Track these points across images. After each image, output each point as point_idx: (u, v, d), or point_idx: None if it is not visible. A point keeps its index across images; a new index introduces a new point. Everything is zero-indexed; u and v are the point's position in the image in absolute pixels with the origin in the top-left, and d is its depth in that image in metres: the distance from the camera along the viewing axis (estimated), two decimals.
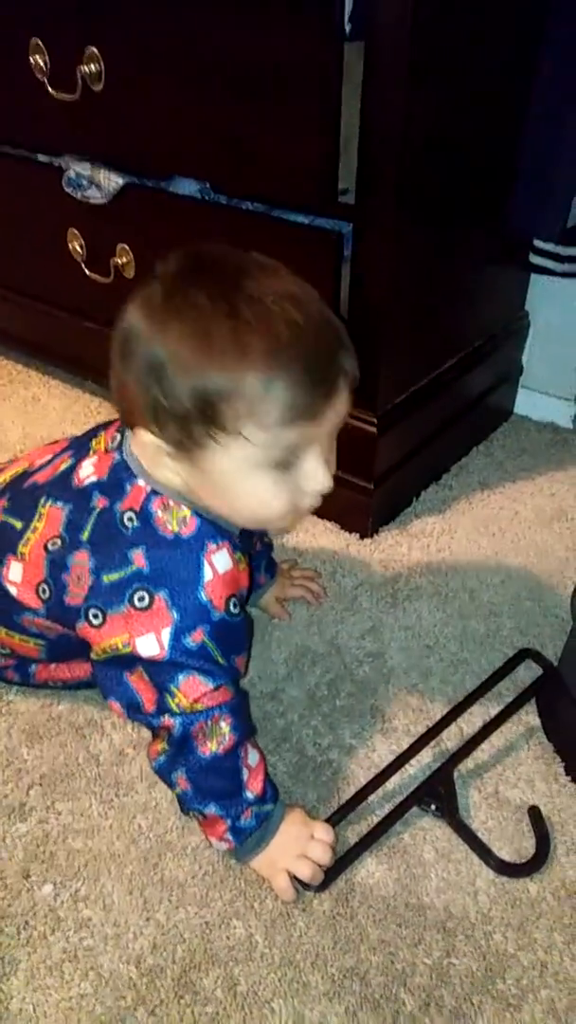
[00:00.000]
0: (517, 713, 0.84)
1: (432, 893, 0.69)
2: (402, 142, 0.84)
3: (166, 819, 0.74)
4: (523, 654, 0.89)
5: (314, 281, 0.67)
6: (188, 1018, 0.61)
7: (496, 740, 0.82)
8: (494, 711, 0.83)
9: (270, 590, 0.95)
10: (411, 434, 1.09)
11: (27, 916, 0.67)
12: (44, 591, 0.71)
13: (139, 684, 0.67)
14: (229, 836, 0.68)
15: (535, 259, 1.14)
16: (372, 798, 0.76)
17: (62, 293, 1.28)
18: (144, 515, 0.66)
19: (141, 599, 0.65)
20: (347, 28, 0.81)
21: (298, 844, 0.68)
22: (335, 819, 0.73)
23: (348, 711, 0.85)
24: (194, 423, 0.59)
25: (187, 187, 1.07)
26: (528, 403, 1.33)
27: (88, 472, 0.71)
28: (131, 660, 0.66)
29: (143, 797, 0.75)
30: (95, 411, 1.33)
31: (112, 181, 1.10)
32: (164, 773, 0.69)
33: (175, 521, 0.66)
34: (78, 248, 1.19)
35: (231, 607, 0.67)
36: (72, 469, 0.72)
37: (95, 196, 1.12)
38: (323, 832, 0.70)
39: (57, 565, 0.70)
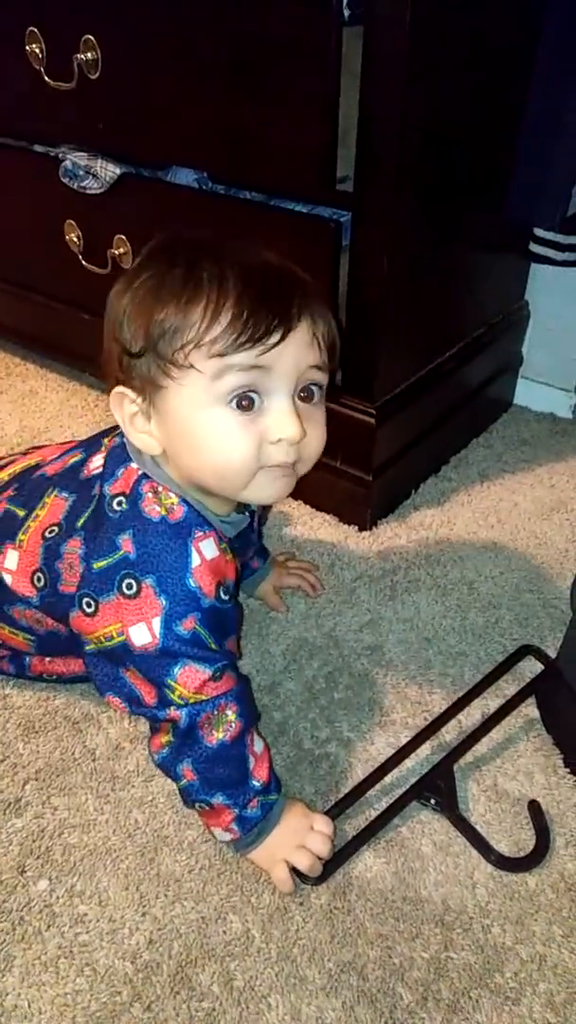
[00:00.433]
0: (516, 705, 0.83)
1: (430, 887, 0.69)
2: (401, 129, 0.83)
3: (163, 813, 0.73)
4: (524, 650, 0.89)
5: (312, 270, 0.67)
6: (184, 1014, 0.61)
7: (495, 733, 0.81)
8: (494, 705, 0.83)
9: (267, 579, 0.95)
10: (410, 425, 1.08)
11: (22, 912, 0.66)
12: (39, 579, 0.71)
13: (136, 680, 0.67)
14: (234, 826, 0.67)
15: (535, 248, 1.12)
16: (371, 792, 0.75)
17: (59, 285, 1.27)
18: (133, 497, 0.66)
19: (129, 587, 0.65)
20: (346, 13, 0.80)
21: (297, 835, 0.68)
22: (333, 812, 0.72)
23: (346, 704, 0.84)
24: (150, 362, 0.61)
25: (184, 177, 1.06)
26: (528, 393, 1.32)
27: (96, 464, 0.71)
28: (124, 653, 0.66)
29: (140, 791, 0.75)
30: (93, 404, 1.32)
31: (109, 171, 1.09)
32: (168, 766, 0.68)
33: (163, 506, 0.66)
34: (75, 239, 1.18)
35: (221, 593, 0.67)
36: (82, 463, 0.73)
37: (92, 186, 1.11)
38: (323, 824, 0.69)
39: (52, 552, 0.70)
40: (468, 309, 1.15)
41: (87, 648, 0.69)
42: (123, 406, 0.65)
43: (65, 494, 0.72)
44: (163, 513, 0.65)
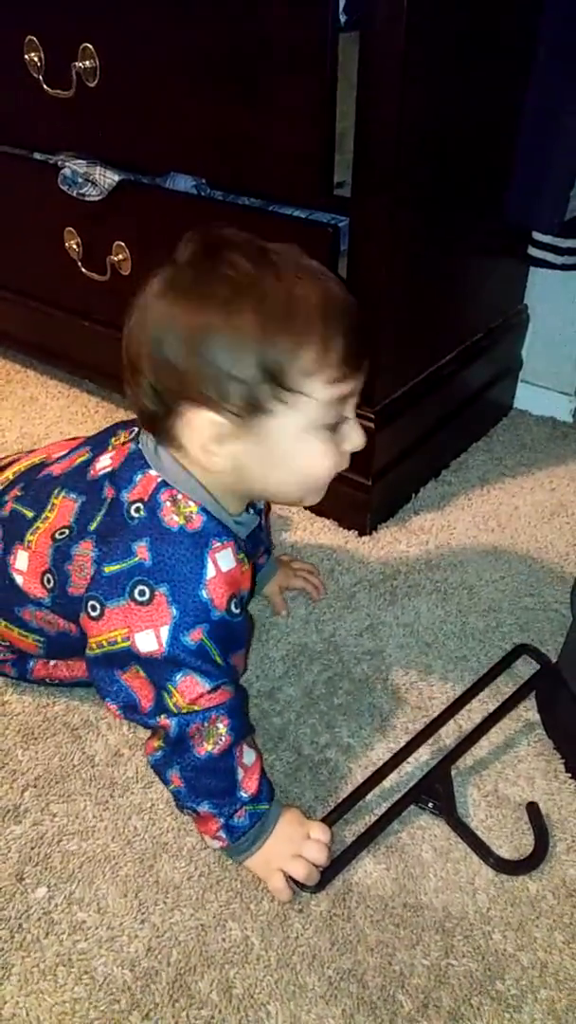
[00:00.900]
0: (516, 710, 0.83)
1: (430, 893, 0.68)
2: (398, 134, 0.84)
3: (162, 820, 0.73)
4: (520, 650, 0.88)
5: None
6: (183, 1022, 0.60)
7: (495, 737, 0.81)
8: (492, 707, 0.82)
9: (273, 579, 0.95)
10: (409, 430, 1.08)
11: (20, 919, 0.66)
12: (49, 580, 0.72)
13: (135, 683, 0.67)
14: (222, 834, 0.67)
15: (534, 252, 1.13)
16: (369, 797, 0.75)
17: (59, 292, 1.27)
18: (151, 505, 0.66)
19: (142, 593, 0.65)
20: (342, 19, 0.81)
21: (294, 844, 0.68)
22: (332, 818, 0.72)
23: (346, 709, 0.84)
24: (261, 388, 0.61)
25: (183, 183, 1.06)
26: (528, 397, 1.32)
27: (104, 464, 0.72)
28: (127, 657, 0.66)
29: (139, 798, 0.75)
30: (93, 410, 1.32)
31: (108, 178, 1.09)
32: (159, 770, 0.68)
33: (182, 515, 0.66)
34: (74, 246, 1.18)
35: (232, 607, 0.67)
36: (89, 462, 0.73)
37: (91, 194, 1.11)
38: (319, 832, 0.69)
39: (61, 554, 0.70)
40: (467, 313, 1.15)
41: (88, 651, 0.69)
42: (201, 428, 0.63)
43: (74, 495, 0.72)
44: (181, 523, 0.66)
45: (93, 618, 0.67)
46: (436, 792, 0.74)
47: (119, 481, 0.69)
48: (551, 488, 1.16)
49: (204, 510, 0.67)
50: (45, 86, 1.06)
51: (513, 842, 0.72)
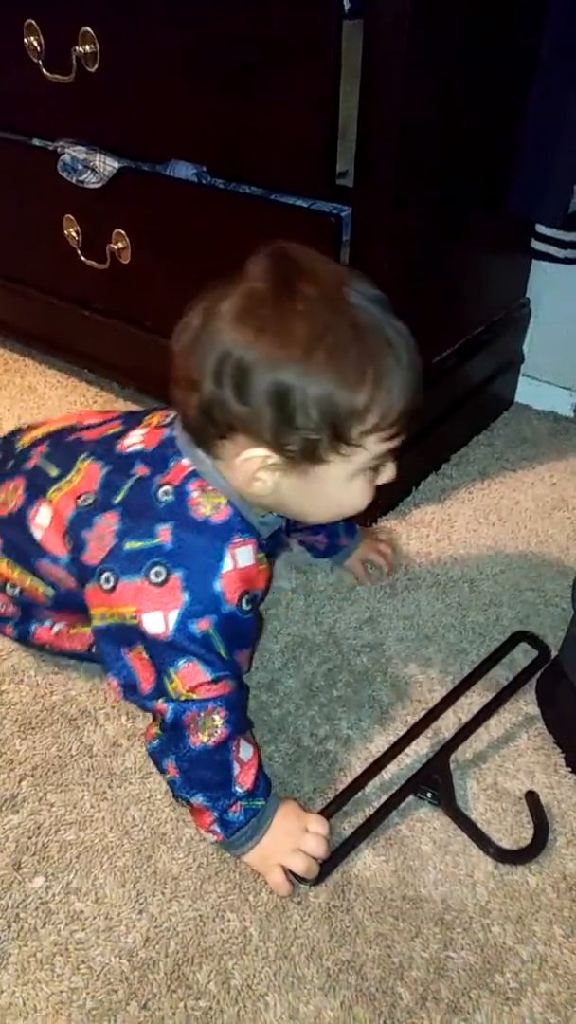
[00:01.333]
0: (516, 703, 0.83)
1: (430, 885, 0.68)
2: (401, 123, 0.83)
3: (160, 811, 0.73)
4: (518, 636, 0.88)
5: None
6: (181, 1012, 0.60)
7: (495, 730, 0.81)
8: (490, 697, 0.82)
9: (355, 551, 0.97)
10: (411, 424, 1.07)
11: (18, 909, 0.66)
12: (68, 542, 0.73)
13: (137, 663, 0.68)
14: (217, 828, 0.67)
15: (537, 245, 1.12)
16: (368, 788, 0.75)
17: (58, 280, 1.27)
18: (180, 492, 0.68)
19: (158, 574, 0.66)
20: (346, 5, 0.80)
21: (292, 838, 0.67)
22: (330, 810, 0.72)
23: (345, 701, 0.83)
24: (322, 440, 0.63)
25: (184, 171, 1.05)
26: (529, 392, 1.32)
27: (135, 441, 0.73)
28: (133, 634, 0.67)
29: (137, 788, 0.74)
30: (92, 400, 1.32)
31: (108, 165, 1.08)
32: (156, 758, 0.69)
33: (209, 506, 0.67)
34: (73, 234, 1.17)
35: (243, 603, 0.68)
36: (119, 435, 0.75)
37: (90, 180, 1.10)
38: (317, 825, 0.69)
39: (82, 520, 0.71)
40: (469, 306, 1.14)
41: (94, 623, 0.70)
42: (252, 461, 0.65)
43: (100, 463, 0.73)
44: (207, 513, 0.67)
45: (105, 590, 0.68)
46: (435, 783, 0.74)
47: (154, 463, 0.70)
48: (552, 483, 1.15)
49: (231, 504, 0.68)
50: (44, 71, 1.05)
51: (513, 835, 0.72)
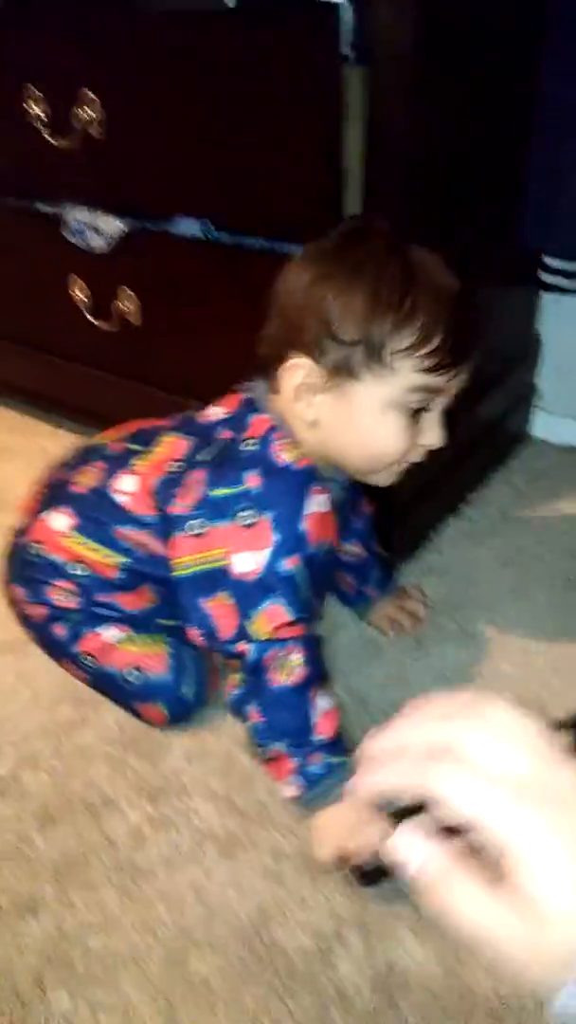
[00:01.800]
0: None
1: (480, 975, 0.64)
2: (407, 164, 0.81)
3: (189, 907, 0.69)
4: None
5: None
6: None
7: None
8: None
9: (382, 606, 0.95)
10: (426, 467, 1.04)
11: None
12: (157, 502, 0.76)
13: (219, 610, 0.71)
14: (296, 779, 0.68)
15: (545, 277, 1.09)
16: None
17: (68, 342, 1.24)
18: (263, 441, 0.72)
19: (247, 517, 0.70)
20: (348, 53, 0.78)
21: (359, 823, 0.65)
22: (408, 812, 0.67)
23: None
24: (357, 354, 0.66)
25: (189, 227, 1.03)
26: (546, 426, 1.28)
27: (215, 412, 0.77)
28: (218, 578, 0.70)
29: (163, 883, 0.70)
30: None
31: (113, 227, 1.06)
32: (238, 706, 0.71)
33: (290, 454, 0.71)
34: (82, 296, 1.15)
35: (320, 546, 0.72)
36: (198, 410, 0.79)
37: (96, 242, 1.08)
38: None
39: (172, 481, 0.75)
40: (480, 342, 1.11)
41: (177, 572, 0.73)
42: (296, 375, 0.68)
43: (185, 436, 0.77)
44: (290, 461, 0.71)
45: (196, 535, 0.72)
46: None
47: (235, 425, 0.74)
48: (574, 518, 1.11)
49: (307, 463, 0.72)
50: (49, 137, 1.03)
51: None
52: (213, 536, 0.71)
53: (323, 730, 0.69)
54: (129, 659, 0.79)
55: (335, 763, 0.68)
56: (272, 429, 0.72)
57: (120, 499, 0.77)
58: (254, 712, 0.70)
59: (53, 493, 0.83)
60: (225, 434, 0.74)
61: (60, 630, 0.81)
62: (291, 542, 0.70)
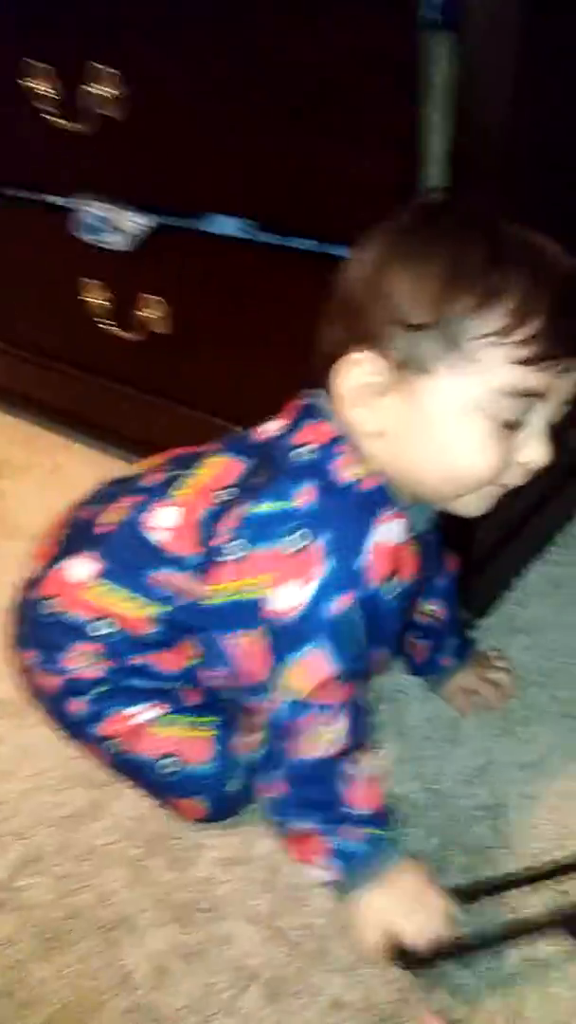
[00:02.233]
0: None
1: None
2: (504, 159, 0.66)
3: None
4: None
5: None
6: None
7: None
8: None
9: (457, 676, 0.79)
10: (510, 503, 0.88)
11: None
12: (203, 538, 0.61)
13: (248, 648, 0.58)
14: (332, 861, 0.57)
15: None
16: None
17: (86, 352, 1.11)
18: (325, 452, 0.58)
19: (296, 540, 0.56)
20: (431, 16, 0.63)
21: (412, 901, 0.56)
22: (465, 895, 0.59)
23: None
24: (430, 342, 0.52)
25: (226, 226, 0.89)
26: None
27: (272, 426, 0.63)
28: (252, 613, 0.56)
29: None
30: None
31: (137, 224, 0.93)
32: (260, 773, 0.59)
33: (355, 471, 0.57)
34: (103, 302, 1.02)
35: (384, 586, 0.57)
36: (252, 429, 0.65)
37: (117, 242, 0.95)
38: (445, 901, 0.57)
39: (222, 512, 0.60)
40: None
41: (209, 602, 0.60)
42: (354, 373, 0.55)
43: (236, 457, 0.63)
44: (353, 479, 0.57)
45: (235, 560, 0.58)
46: None
47: (291, 434, 0.60)
48: None
49: (379, 483, 0.58)
50: (61, 120, 0.90)
51: None
52: (253, 561, 0.57)
53: (364, 803, 0.57)
54: (165, 745, 0.64)
55: (380, 836, 0.57)
56: (335, 440, 0.58)
57: (156, 537, 0.63)
58: (281, 783, 0.57)
59: (74, 536, 0.69)
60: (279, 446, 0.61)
61: (78, 706, 0.65)
62: (345, 577, 0.55)
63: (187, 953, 0.60)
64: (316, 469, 0.57)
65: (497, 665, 0.81)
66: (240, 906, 0.63)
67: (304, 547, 0.55)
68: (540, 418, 0.54)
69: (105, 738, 0.65)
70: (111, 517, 0.66)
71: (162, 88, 0.83)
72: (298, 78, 0.73)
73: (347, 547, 0.56)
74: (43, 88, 0.90)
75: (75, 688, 0.65)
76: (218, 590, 0.59)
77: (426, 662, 0.78)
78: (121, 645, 0.64)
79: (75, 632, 0.65)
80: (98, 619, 0.64)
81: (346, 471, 0.57)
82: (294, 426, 0.60)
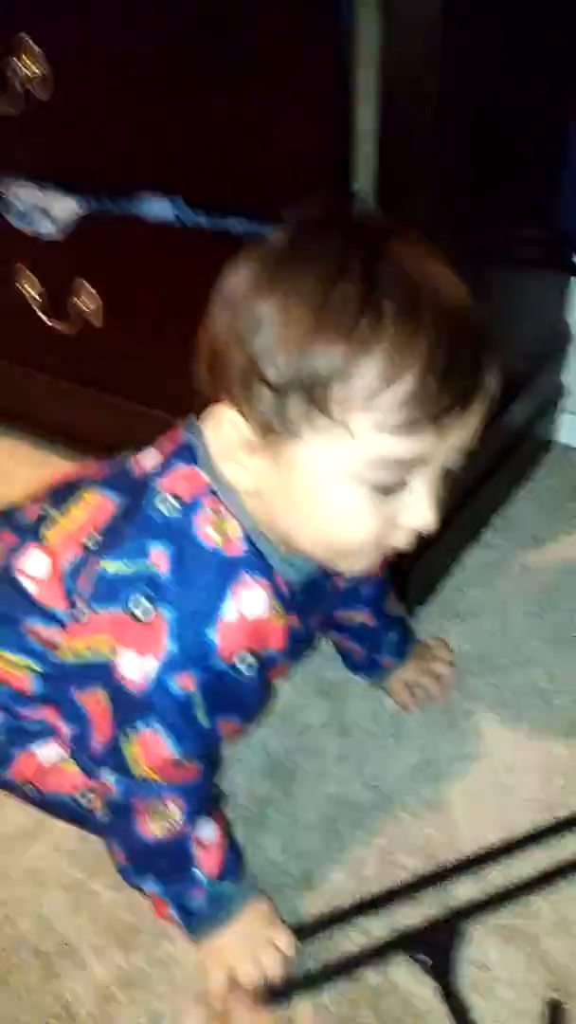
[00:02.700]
0: None
1: None
2: (432, 126, 0.64)
3: None
4: None
5: None
6: None
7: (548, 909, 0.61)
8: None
9: (397, 671, 0.78)
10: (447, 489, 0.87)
11: None
12: (63, 589, 0.58)
13: (95, 708, 0.54)
14: (175, 915, 0.58)
15: None
16: (355, 928, 0.61)
17: (19, 344, 1.05)
18: (189, 508, 0.53)
19: (141, 607, 0.51)
20: None
21: (252, 944, 0.58)
22: (304, 933, 0.61)
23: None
24: (292, 400, 0.46)
25: (159, 208, 0.84)
26: (572, 430, 1.12)
27: (151, 462, 0.57)
28: (103, 673, 0.53)
29: None
30: None
31: (66, 210, 0.87)
32: (102, 832, 0.59)
33: (221, 532, 0.53)
34: (34, 294, 0.96)
35: (240, 663, 0.54)
36: (131, 459, 0.59)
37: (48, 230, 0.89)
38: (285, 941, 0.59)
39: (80, 567, 0.56)
40: (506, 338, 0.94)
41: (63, 658, 0.56)
42: (223, 428, 0.50)
43: (111, 494, 0.58)
44: (217, 542, 0.52)
45: (85, 618, 0.54)
46: (438, 948, 0.59)
47: (158, 470, 0.55)
48: None
49: (248, 537, 0.53)
50: None
51: None
52: (96, 621, 0.53)
53: (207, 866, 0.57)
54: (78, 780, 0.60)
55: (221, 895, 0.57)
56: (204, 494, 0.53)
57: (28, 585, 0.58)
58: (119, 852, 0.57)
59: None
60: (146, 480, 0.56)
61: None
62: (191, 655, 0.52)
63: (132, 982, 0.59)
64: (176, 529, 0.53)
65: (438, 655, 0.80)
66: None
67: (148, 618, 0.51)
68: (423, 480, 0.49)
69: (19, 784, 0.62)
70: None
71: (84, 60, 0.78)
72: (222, 45, 0.70)
73: (195, 624, 0.52)
74: None
75: None
76: (70, 648, 0.56)
77: (364, 662, 0.77)
78: (7, 701, 0.61)
79: None
80: None
81: (209, 533, 0.52)
82: (167, 465, 0.55)
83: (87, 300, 0.92)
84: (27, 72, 0.80)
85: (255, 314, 0.46)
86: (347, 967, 0.59)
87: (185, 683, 0.52)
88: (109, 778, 0.54)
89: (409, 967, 0.59)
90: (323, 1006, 0.58)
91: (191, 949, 0.60)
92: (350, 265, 0.45)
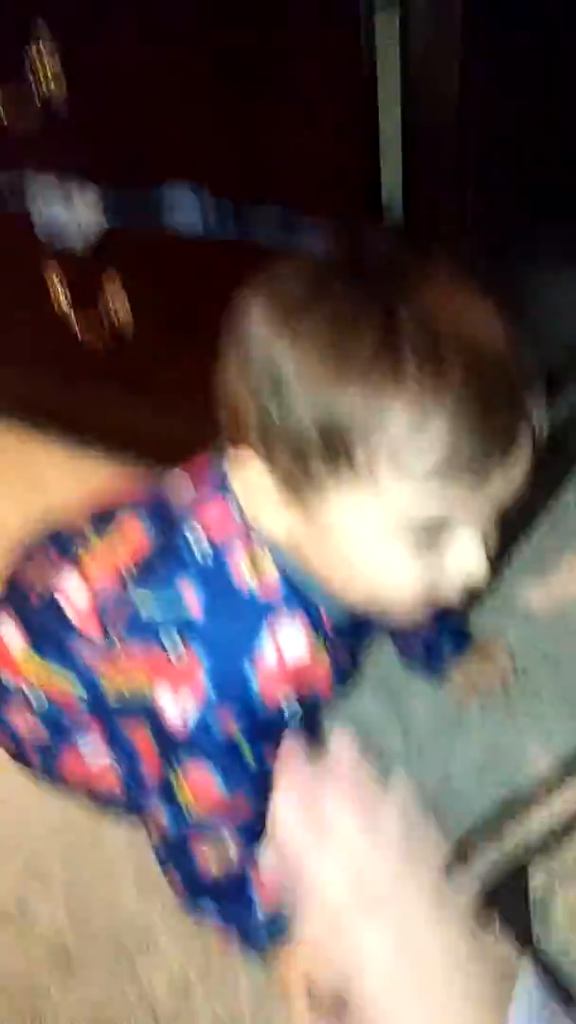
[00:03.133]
0: None
1: None
2: (455, 134, 0.66)
3: None
4: None
5: None
6: None
7: None
8: None
9: (459, 669, 0.78)
10: None
11: None
12: (101, 623, 0.58)
13: (143, 744, 0.54)
14: (243, 948, 0.59)
15: None
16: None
17: (51, 350, 1.07)
18: (221, 552, 0.51)
19: (174, 644, 0.50)
20: None
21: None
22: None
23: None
24: (313, 455, 0.43)
25: (186, 215, 0.86)
26: None
27: (186, 491, 0.56)
28: (146, 712, 0.52)
29: None
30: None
31: (91, 220, 0.90)
32: (160, 859, 0.58)
33: (256, 576, 0.51)
34: (64, 299, 0.99)
35: (282, 706, 0.52)
36: (167, 485, 0.58)
37: (75, 242, 0.92)
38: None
39: (117, 599, 0.55)
40: (551, 332, 0.95)
41: (110, 702, 0.57)
42: (249, 475, 0.47)
43: (147, 523, 0.56)
44: (252, 587, 0.50)
45: (121, 653, 0.54)
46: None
47: (193, 503, 0.54)
48: None
49: (285, 577, 0.51)
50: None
51: None
52: (130, 654, 0.53)
53: (265, 903, 0.56)
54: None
55: (279, 927, 0.56)
56: (241, 532, 0.51)
57: (68, 611, 0.59)
58: (178, 883, 0.57)
59: (7, 592, 0.65)
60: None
61: (35, 758, 0.65)
62: (229, 700, 0.50)
63: (207, 972, 0.60)
64: (210, 570, 0.51)
65: (496, 651, 0.80)
66: None
67: (180, 657, 0.50)
68: (469, 527, 0.46)
69: (67, 784, 0.65)
70: (39, 580, 0.63)
71: (97, 66, 0.80)
72: (247, 55, 0.71)
73: (231, 672, 0.50)
74: None
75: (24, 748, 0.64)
76: (112, 687, 0.56)
77: (422, 663, 0.78)
78: (53, 716, 0.62)
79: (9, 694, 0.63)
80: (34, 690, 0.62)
81: (244, 578, 0.51)
82: (200, 500, 0.54)
83: (118, 307, 0.94)
84: (45, 83, 0.81)
85: (268, 366, 0.44)
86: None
87: (227, 729, 0.51)
88: (162, 809, 0.54)
89: None
90: None
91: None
92: (369, 310, 0.42)
